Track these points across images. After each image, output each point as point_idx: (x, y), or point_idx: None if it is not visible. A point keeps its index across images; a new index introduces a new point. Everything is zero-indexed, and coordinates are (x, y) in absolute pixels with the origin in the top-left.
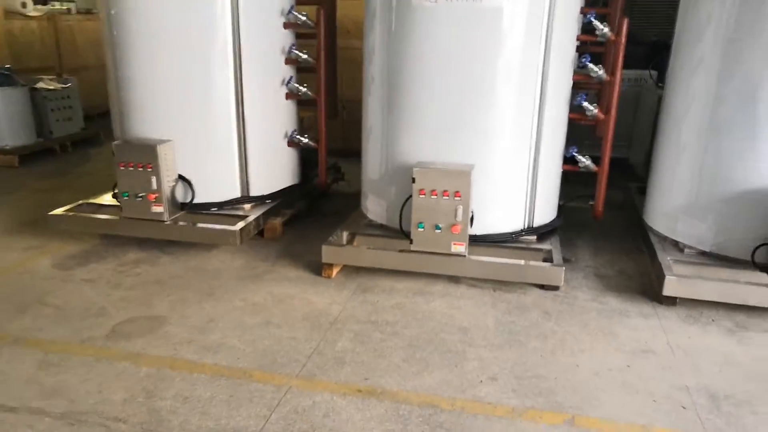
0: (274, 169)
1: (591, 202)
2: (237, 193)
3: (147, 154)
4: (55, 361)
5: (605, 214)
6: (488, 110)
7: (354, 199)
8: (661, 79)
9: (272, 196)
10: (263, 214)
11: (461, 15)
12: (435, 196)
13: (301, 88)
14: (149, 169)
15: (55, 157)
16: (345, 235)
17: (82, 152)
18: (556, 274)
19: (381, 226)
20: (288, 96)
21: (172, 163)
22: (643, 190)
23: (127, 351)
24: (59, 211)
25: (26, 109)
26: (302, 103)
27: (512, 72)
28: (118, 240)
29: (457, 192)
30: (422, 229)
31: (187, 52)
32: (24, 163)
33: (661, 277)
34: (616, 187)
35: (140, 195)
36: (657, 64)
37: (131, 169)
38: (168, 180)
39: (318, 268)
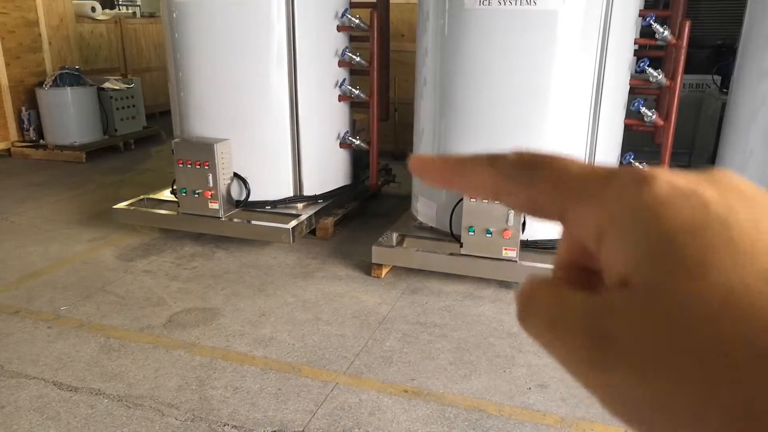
0: (327, 170)
1: None
2: (290, 193)
3: (205, 152)
4: (115, 346)
5: None
6: (541, 114)
7: (404, 201)
8: (725, 85)
9: (324, 197)
10: (315, 213)
11: (515, 19)
12: (486, 201)
13: (354, 90)
14: (206, 167)
15: (118, 154)
16: (395, 236)
17: (144, 149)
18: None
19: (431, 229)
20: (341, 98)
21: (228, 161)
22: None
23: (183, 340)
24: (122, 205)
25: (94, 108)
26: (355, 105)
27: (568, 76)
28: (175, 234)
29: None
30: (472, 233)
31: (244, 55)
32: (90, 159)
33: None
34: None
35: (197, 192)
36: (721, 68)
37: (189, 166)
38: (224, 178)
39: (368, 268)
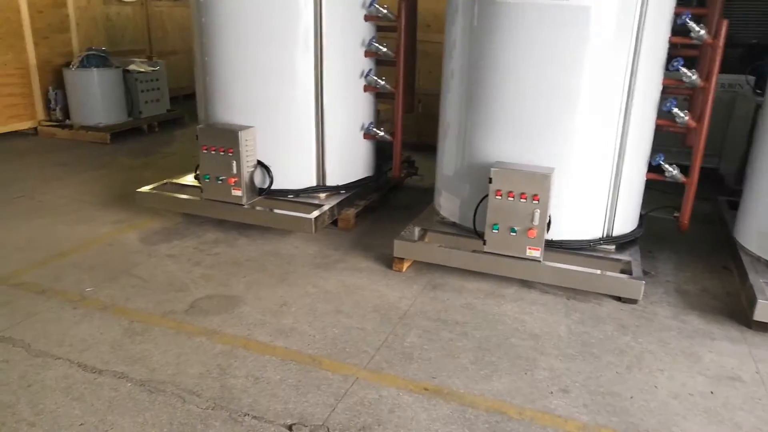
0: (350, 161)
1: (676, 214)
2: (313, 182)
3: (229, 138)
4: (139, 330)
5: (689, 226)
6: (572, 112)
7: (426, 193)
8: (760, 86)
9: (347, 187)
10: (337, 204)
11: (547, 13)
12: (512, 198)
13: (379, 81)
14: (230, 154)
15: (143, 136)
16: (417, 230)
17: (167, 132)
18: (636, 287)
19: (453, 224)
20: (366, 88)
21: (252, 149)
22: (733, 204)
23: (204, 327)
24: (146, 188)
25: (119, 90)
26: (380, 96)
27: (599, 74)
28: (198, 219)
29: (535, 195)
30: (496, 231)
31: (270, 41)
32: (115, 140)
33: (752, 301)
34: (702, 199)
35: (221, 178)
36: (755, 68)
37: (213, 152)
38: (248, 165)
39: (389, 261)
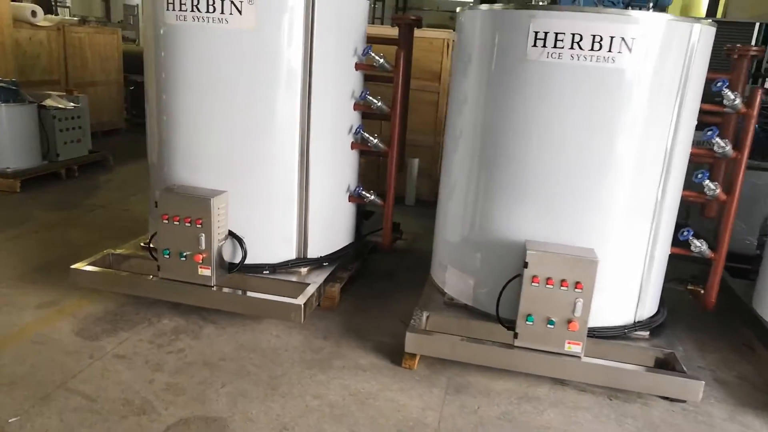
0: (334, 227)
1: (690, 286)
2: (292, 254)
3: (198, 207)
4: None
5: (684, 295)
6: (607, 182)
7: (405, 256)
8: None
9: (329, 258)
10: (324, 281)
11: (588, 76)
12: (551, 286)
13: (371, 138)
14: (198, 225)
15: (60, 183)
16: (425, 317)
17: (89, 178)
18: (695, 389)
19: (465, 307)
20: (354, 145)
21: (224, 218)
22: (734, 271)
23: None
24: (83, 265)
25: (33, 129)
26: (364, 153)
27: (640, 142)
28: (147, 299)
29: (579, 283)
30: (531, 323)
31: (251, 91)
32: (26, 189)
33: None
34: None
35: (185, 254)
36: None
37: (177, 223)
38: (219, 238)
39: (392, 353)
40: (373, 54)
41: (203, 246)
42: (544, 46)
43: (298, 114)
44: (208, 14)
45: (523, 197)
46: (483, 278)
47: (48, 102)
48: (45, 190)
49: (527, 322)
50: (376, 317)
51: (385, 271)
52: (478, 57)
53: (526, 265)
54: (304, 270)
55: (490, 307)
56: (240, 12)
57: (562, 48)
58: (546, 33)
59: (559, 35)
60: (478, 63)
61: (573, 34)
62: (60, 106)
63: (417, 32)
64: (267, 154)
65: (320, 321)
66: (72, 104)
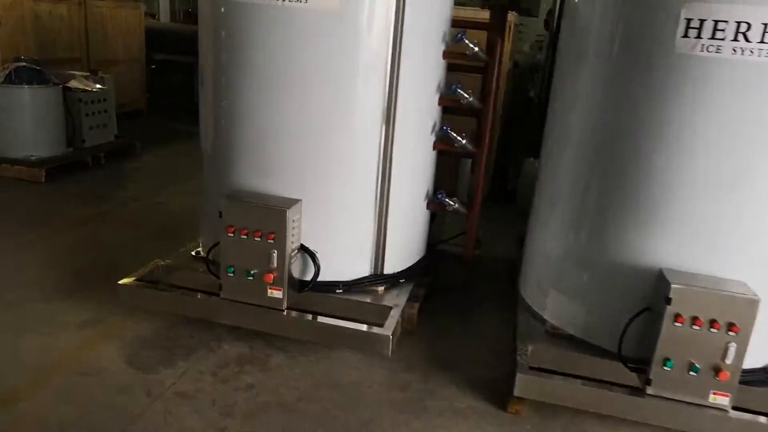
0: (411, 239)
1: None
2: (366, 270)
3: (272, 219)
4: None
5: None
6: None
7: (479, 264)
8: None
9: (405, 274)
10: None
11: (757, 74)
12: (699, 327)
13: (458, 138)
14: (270, 241)
15: (87, 172)
16: (530, 350)
17: (116, 166)
18: None
19: (570, 338)
20: (436, 145)
21: (298, 231)
22: None
23: None
24: (131, 280)
25: (58, 114)
26: (442, 153)
27: None
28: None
29: (733, 325)
30: (670, 369)
31: (329, 82)
32: (51, 179)
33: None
34: None
35: (252, 272)
36: None
37: (245, 237)
38: (291, 254)
39: (488, 390)
40: (466, 40)
41: (274, 264)
42: (699, 36)
43: (383, 109)
44: None
45: (659, 216)
46: (598, 308)
47: (73, 83)
48: (72, 181)
49: (665, 368)
50: (460, 343)
51: (457, 283)
52: (597, 46)
53: (668, 300)
54: (380, 288)
55: (602, 340)
56: None
57: (723, 39)
58: (702, 21)
59: (719, 24)
60: (600, 55)
61: (738, 23)
62: (87, 88)
63: (469, 12)
64: (345, 156)
65: (400, 348)
66: (98, 86)
